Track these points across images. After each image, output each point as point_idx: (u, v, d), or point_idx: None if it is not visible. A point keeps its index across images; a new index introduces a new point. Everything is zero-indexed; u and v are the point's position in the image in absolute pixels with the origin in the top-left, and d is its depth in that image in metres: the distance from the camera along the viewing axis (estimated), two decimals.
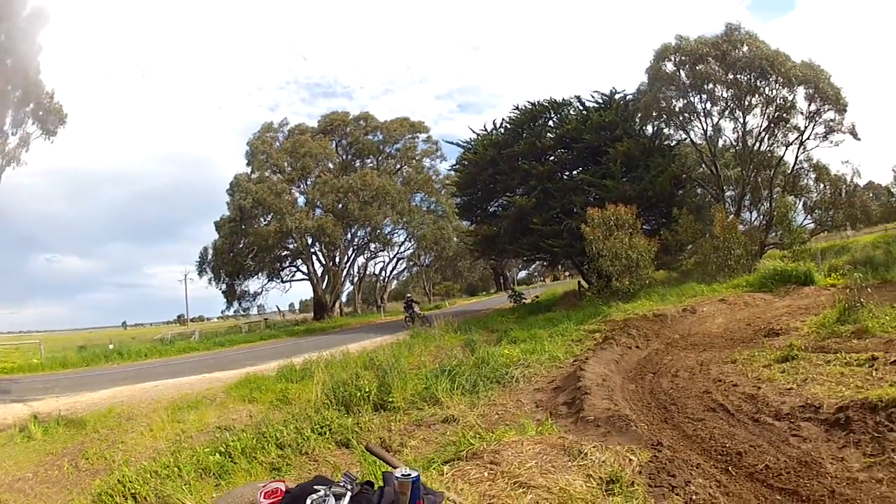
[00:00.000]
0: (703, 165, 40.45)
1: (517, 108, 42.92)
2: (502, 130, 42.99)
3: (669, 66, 38.83)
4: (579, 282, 39.68)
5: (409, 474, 3.38)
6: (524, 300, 39.40)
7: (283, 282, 66.33)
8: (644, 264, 27.59)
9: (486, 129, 44.31)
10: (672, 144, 41.15)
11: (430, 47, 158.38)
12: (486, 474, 6.84)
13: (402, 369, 15.07)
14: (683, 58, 38.23)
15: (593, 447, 7.58)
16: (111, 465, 11.76)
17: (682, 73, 38.61)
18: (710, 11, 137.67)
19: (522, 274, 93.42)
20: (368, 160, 66.80)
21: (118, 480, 10.27)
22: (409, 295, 40.48)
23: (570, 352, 16.71)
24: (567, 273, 73.72)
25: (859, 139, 38.00)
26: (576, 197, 35.93)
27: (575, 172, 39.95)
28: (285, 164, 61.04)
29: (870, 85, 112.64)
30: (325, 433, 11.92)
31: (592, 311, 24.00)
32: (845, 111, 37.34)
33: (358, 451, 11.06)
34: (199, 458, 10.97)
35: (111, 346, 41.49)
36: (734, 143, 40.13)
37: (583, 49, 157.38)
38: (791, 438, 8.18)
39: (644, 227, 32.15)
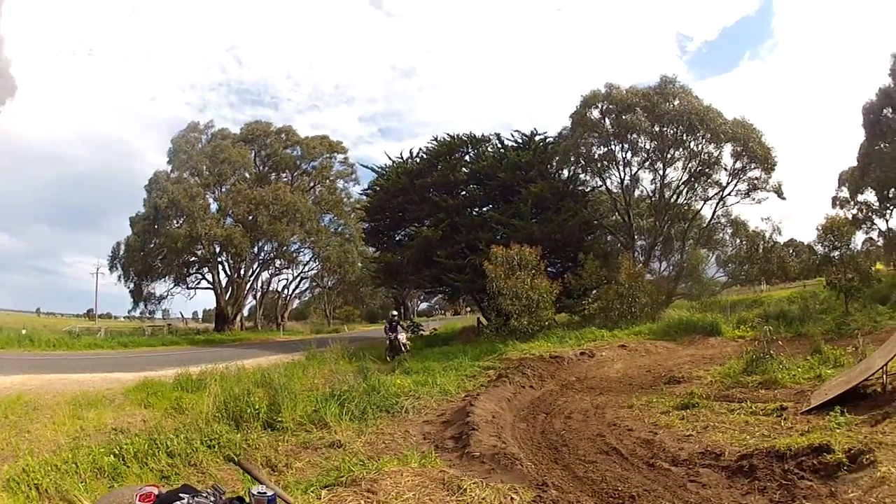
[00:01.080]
0: (617, 213, 40.53)
1: (436, 139, 42.80)
2: (418, 160, 42.79)
3: (595, 114, 38.92)
4: (479, 318, 39.46)
5: (265, 493, 3.62)
6: (422, 332, 38.52)
7: (188, 288, 64.32)
8: (544, 305, 27.14)
9: (402, 157, 44.14)
10: (587, 190, 41.23)
11: (362, 67, 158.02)
12: (361, 502, 6.77)
13: (294, 390, 14.59)
14: (611, 106, 38.40)
15: (474, 483, 7.41)
16: (17, 452, 11.06)
17: (608, 121, 38.66)
18: (648, 63, 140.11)
19: (424, 305, 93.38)
20: (284, 175, 65.90)
21: (23, 469, 9.79)
22: (393, 314, 29.92)
23: (462, 387, 16.66)
24: (468, 308, 73.59)
25: (784, 198, 38.96)
26: (482, 233, 35.66)
27: (485, 209, 40.03)
28: (204, 167, 59.61)
29: (806, 147, 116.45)
30: (215, 447, 11.46)
31: (489, 348, 23.91)
32: (773, 170, 37.97)
33: (257, 468, 10.51)
34: (94, 458, 10.41)
35: (24, 332, 40.50)
36: (651, 194, 40.27)
37: (519, 89, 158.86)
38: (689, 484, 8.10)
39: (549, 269, 31.77)
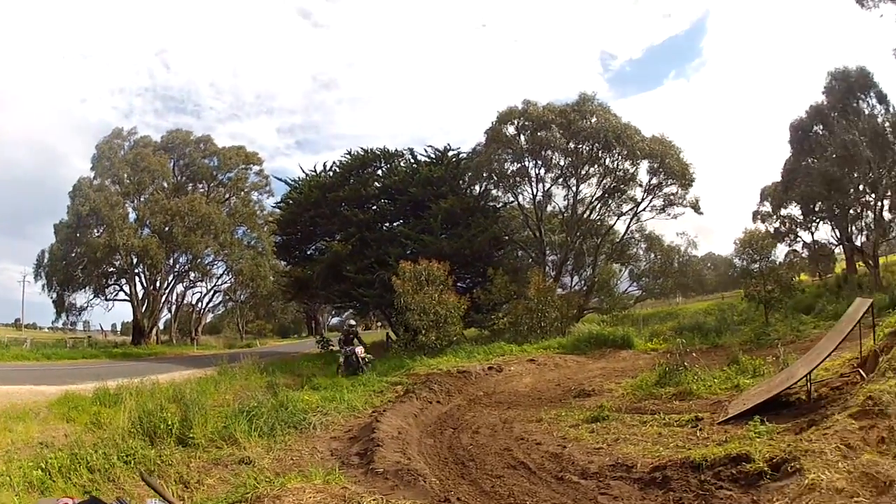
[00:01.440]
0: (529, 229, 40.84)
1: (349, 153, 42.91)
2: (331, 174, 42.81)
3: (511, 130, 39.32)
4: (387, 333, 39.48)
5: None
6: (332, 347, 38.09)
7: (106, 299, 62.73)
8: (452, 321, 27.04)
9: (315, 171, 44.10)
10: (498, 206, 41.53)
11: (284, 77, 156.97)
12: None
13: (206, 406, 14.30)
14: (527, 122, 38.81)
15: (374, 500, 7.49)
16: None
17: (523, 138, 39.05)
18: (570, 80, 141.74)
19: (335, 320, 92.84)
20: (201, 185, 64.83)
21: None
22: (351, 323, 29.50)
23: (370, 402, 16.59)
24: (379, 323, 73.42)
25: (701, 213, 40.12)
26: (392, 248, 35.65)
27: (395, 224, 40.10)
28: (125, 175, 58.07)
29: (730, 164, 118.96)
30: (131, 462, 11.07)
31: (397, 364, 23.80)
32: (690, 186, 39.16)
33: (160, 483, 10.13)
34: (25, 472, 10.16)
35: None
36: (564, 210, 40.70)
37: (440, 104, 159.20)
38: (600, 497, 8.11)
39: (458, 284, 32.06)
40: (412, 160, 42.20)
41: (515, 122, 39.30)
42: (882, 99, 44.41)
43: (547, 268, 39.38)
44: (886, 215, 44.31)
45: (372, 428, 12.35)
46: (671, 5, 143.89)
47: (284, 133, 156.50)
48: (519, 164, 39.53)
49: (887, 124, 43.20)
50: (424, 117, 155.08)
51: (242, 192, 66.26)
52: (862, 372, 11.92)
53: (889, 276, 42.77)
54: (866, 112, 44.35)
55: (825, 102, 46.31)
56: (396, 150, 43.01)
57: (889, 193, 42.88)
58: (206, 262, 64.07)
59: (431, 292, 26.38)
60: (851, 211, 46.11)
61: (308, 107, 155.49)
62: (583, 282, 41.34)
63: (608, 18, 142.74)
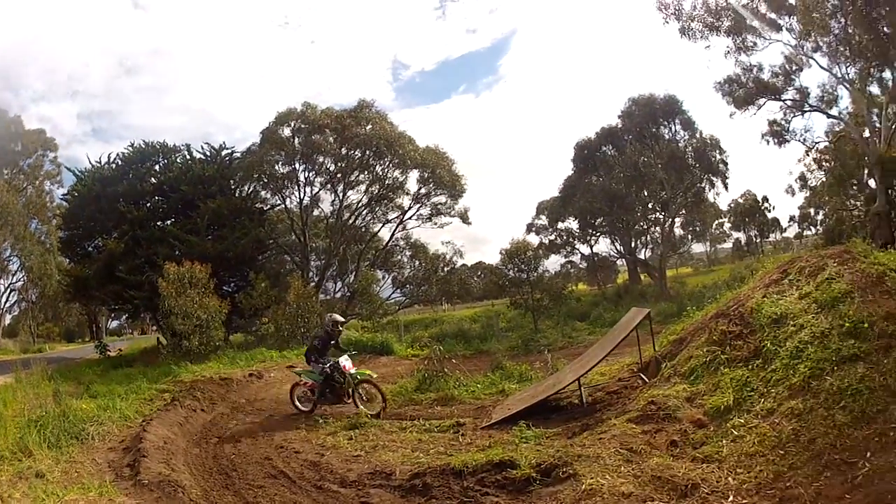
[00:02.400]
0: (294, 234, 40.83)
1: (132, 145, 41.29)
2: (114, 166, 40.71)
3: (287, 132, 39.11)
4: (158, 338, 37.79)
5: None
6: (109, 352, 36.39)
7: None
8: (215, 325, 26.33)
9: (100, 162, 41.63)
10: (265, 208, 41.17)
11: (93, 58, 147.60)
12: None
13: (5, 416, 14.12)
14: (303, 125, 38.67)
15: None
16: None
17: (297, 141, 38.97)
18: (361, 86, 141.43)
19: (115, 324, 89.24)
20: (6, 170, 59.32)
21: None
22: (336, 319, 17.18)
23: (140, 411, 15.90)
24: (153, 327, 71.41)
25: (469, 223, 41.57)
26: (161, 248, 34.23)
27: (167, 223, 38.64)
28: None
29: (513, 178, 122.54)
30: None
31: (166, 370, 22.43)
32: (460, 197, 40.36)
33: None
34: None
35: None
36: (329, 215, 40.97)
37: (234, 101, 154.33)
38: None
39: (223, 287, 31.87)
40: (188, 156, 41.09)
41: (292, 125, 39.20)
42: (688, 125, 48.42)
43: (311, 273, 39.83)
44: (678, 231, 48.69)
45: (139, 438, 12.22)
46: (478, 21, 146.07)
47: (83, 119, 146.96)
48: (290, 167, 39.54)
49: (689, 149, 47.00)
50: (216, 113, 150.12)
51: (37, 181, 61.46)
52: (644, 376, 12.95)
53: (677, 287, 45.87)
54: (667, 137, 47.95)
55: (620, 125, 49.55)
56: (175, 145, 41.77)
57: (683, 212, 46.56)
58: (4, 256, 59.22)
59: (194, 296, 25.80)
60: (637, 226, 49.33)
61: (109, 92, 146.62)
62: (346, 288, 41.46)
63: (409, 29, 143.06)
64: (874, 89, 37.21)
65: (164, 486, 9.37)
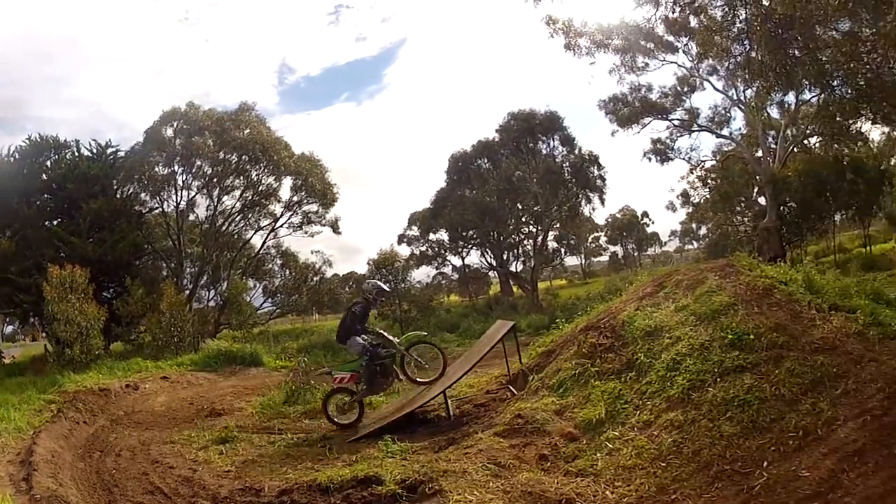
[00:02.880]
0: (170, 239, 40.11)
1: (29, 138, 39.57)
2: (12, 160, 38.86)
3: (169, 132, 38.71)
4: (45, 345, 37.23)
5: None
6: (3, 359, 35.47)
7: None
8: (94, 333, 25.32)
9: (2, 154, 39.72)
10: (143, 211, 40.15)
11: (15, 42, 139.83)
12: None
13: None
14: (185, 126, 38.38)
15: None
16: None
17: (178, 142, 38.56)
18: (248, 87, 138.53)
19: (10, 329, 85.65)
20: None
21: None
22: (378, 285, 15.35)
23: (31, 423, 15.32)
24: (43, 334, 68.41)
25: (339, 233, 42.59)
26: (47, 250, 33.10)
27: (55, 223, 37.18)
28: None
29: (389, 188, 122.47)
30: None
31: (52, 380, 21.12)
32: (332, 206, 41.13)
33: None
34: None
35: None
36: (204, 221, 40.64)
37: (133, 96, 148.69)
38: None
39: (103, 293, 31.46)
40: (77, 153, 39.66)
41: (174, 125, 38.89)
42: (567, 141, 49.16)
43: (185, 280, 39.38)
44: (552, 245, 50.25)
45: (31, 451, 12.11)
46: (369, 29, 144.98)
47: None
48: (170, 169, 38.94)
49: (567, 164, 48.06)
50: (109, 108, 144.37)
51: None
52: (513, 389, 13.08)
53: (549, 299, 46.84)
54: (544, 152, 48.83)
55: (497, 139, 50.22)
56: (65, 140, 40.12)
57: (557, 225, 47.65)
58: None
59: (74, 301, 24.99)
60: (510, 239, 50.45)
61: (20, 80, 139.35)
62: (219, 296, 41.19)
63: (301, 33, 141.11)
64: (773, 112, 39.09)
65: (52, 502, 9.48)
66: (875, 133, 39.35)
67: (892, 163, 41.89)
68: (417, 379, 13.80)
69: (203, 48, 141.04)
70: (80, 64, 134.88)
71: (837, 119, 25.83)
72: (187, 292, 37.06)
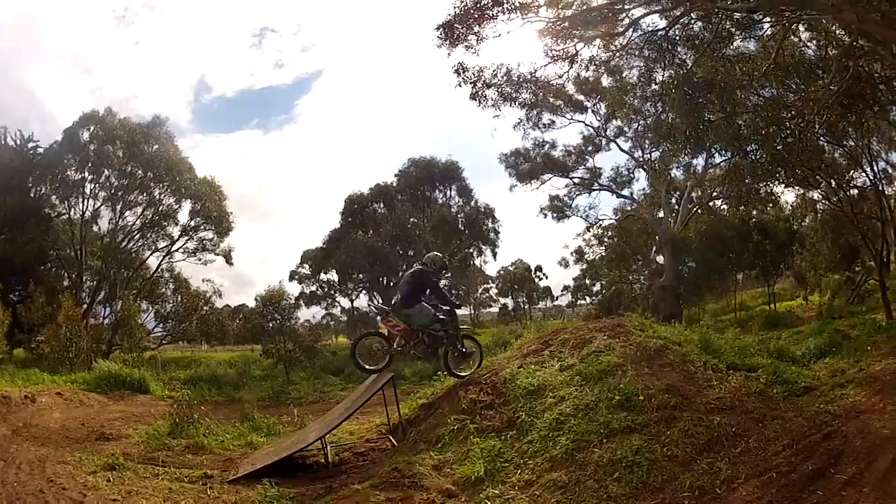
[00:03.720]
0: (73, 248, 39.18)
1: None
2: None
3: (86, 135, 38.58)
4: None
5: None
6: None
7: None
8: None
9: None
10: (52, 215, 39.45)
11: None
12: None
13: None
14: (101, 132, 38.23)
15: None
16: None
17: (93, 148, 38.27)
18: (173, 98, 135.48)
19: None
20: None
21: None
22: (439, 257, 14.36)
23: None
24: None
25: (231, 263, 42.74)
26: None
27: None
28: None
29: (282, 223, 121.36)
30: None
31: None
32: (227, 235, 41.49)
33: None
34: None
35: None
36: (106, 234, 40.05)
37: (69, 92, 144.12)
38: None
39: (10, 296, 31.33)
40: (2, 140, 39.30)
41: (91, 129, 38.64)
42: (464, 192, 51.07)
43: (84, 294, 38.52)
44: None
45: None
46: (289, 57, 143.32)
47: None
48: (81, 175, 38.66)
49: (462, 215, 49.53)
50: (41, 98, 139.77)
51: None
52: (393, 439, 13.01)
53: None
54: (440, 201, 50.20)
55: (395, 183, 51.33)
56: None
57: (448, 275, 47.02)
58: None
59: None
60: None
61: None
62: (114, 315, 40.16)
63: (224, 51, 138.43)
64: (679, 173, 40.11)
65: None
66: (791, 195, 40.50)
67: (805, 223, 43.15)
68: (457, 371, 13.55)
69: (133, 51, 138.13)
70: (19, 47, 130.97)
71: (747, 182, 26.53)
72: (85, 306, 36.44)
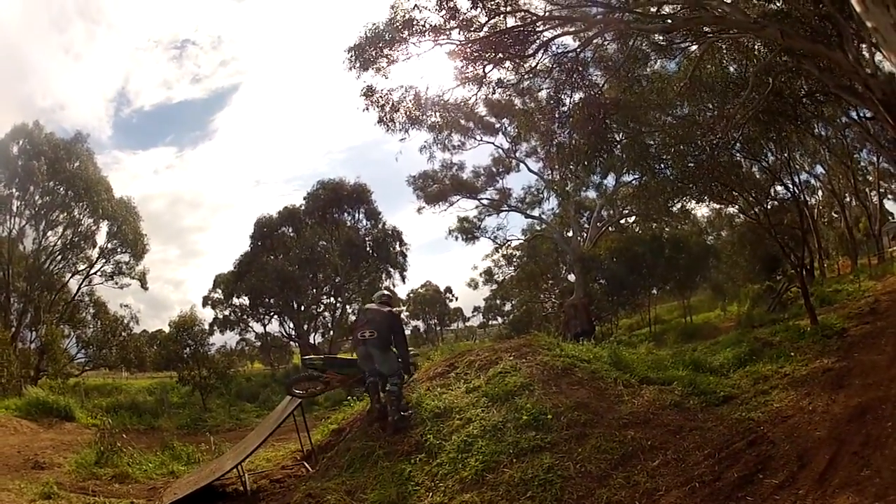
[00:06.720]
0: (1, 268, 37.80)
1: None
2: None
3: (15, 149, 37.85)
4: None
5: None
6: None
7: None
8: None
9: None
10: None
11: None
12: None
13: None
14: (28, 147, 37.69)
15: None
16: None
17: (20, 162, 37.61)
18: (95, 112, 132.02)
19: None
20: None
21: None
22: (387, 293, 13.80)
23: None
24: None
25: (147, 288, 42.52)
26: None
27: None
28: None
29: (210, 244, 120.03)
30: None
31: None
32: (142, 258, 41.10)
33: None
34: None
35: None
36: (30, 255, 39.14)
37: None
38: None
39: None
40: None
41: (20, 143, 38.01)
42: (372, 215, 50.63)
43: (12, 317, 37.63)
44: (352, 317, 47.78)
45: None
46: (206, 71, 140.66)
47: None
48: (8, 191, 37.80)
49: (369, 238, 49.22)
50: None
51: None
52: (307, 465, 13.09)
53: None
54: (348, 224, 49.62)
55: (303, 206, 50.79)
56: None
57: (358, 298, 47.20)
58: None
59: None
60: (310, 309, 50.55)
61: None
62: (39, 339, 38.64)
63: (145, 62, 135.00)
64: (590, 194, 40.64)
65: None
66: (705, 209, 41.66)
67: (722, 236, 43.86)
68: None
69: (63, 60, 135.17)
70: None
71: (658, 199, 26.73)
72: (13, 329, 35.66)
